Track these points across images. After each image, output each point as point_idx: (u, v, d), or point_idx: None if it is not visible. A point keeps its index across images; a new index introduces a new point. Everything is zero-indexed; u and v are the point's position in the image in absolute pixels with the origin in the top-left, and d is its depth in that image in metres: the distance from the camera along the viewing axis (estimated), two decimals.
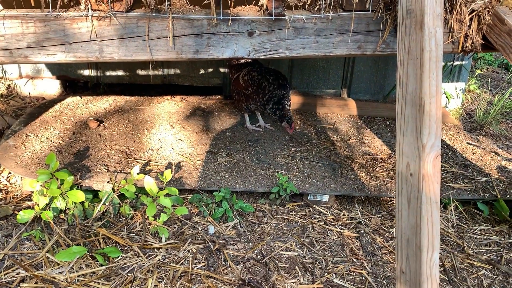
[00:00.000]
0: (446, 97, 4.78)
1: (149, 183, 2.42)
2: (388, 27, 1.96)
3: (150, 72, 4.36)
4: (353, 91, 4.70)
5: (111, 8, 1.88)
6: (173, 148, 3.22)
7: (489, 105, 4.97)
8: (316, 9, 1.98)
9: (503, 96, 4.70)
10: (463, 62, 4.66)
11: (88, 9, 1.87)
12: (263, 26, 1.92)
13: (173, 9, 1.87)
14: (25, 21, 1.84)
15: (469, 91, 5.43)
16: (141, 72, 4.37)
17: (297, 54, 1.95)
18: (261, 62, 3.88)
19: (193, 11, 1.87)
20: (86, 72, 4.29)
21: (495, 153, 3.73)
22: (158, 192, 2.43)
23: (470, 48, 2.08)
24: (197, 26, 1.89)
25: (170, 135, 3.44)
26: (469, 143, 3.89)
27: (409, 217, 1.86)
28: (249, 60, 3.81)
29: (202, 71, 4.43)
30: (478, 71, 6.31)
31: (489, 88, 5.79)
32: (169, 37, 1.86)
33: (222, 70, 4.45)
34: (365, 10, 2.01)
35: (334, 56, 2.02)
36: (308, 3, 1.97)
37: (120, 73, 4.34)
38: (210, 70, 4.44)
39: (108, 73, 4.32)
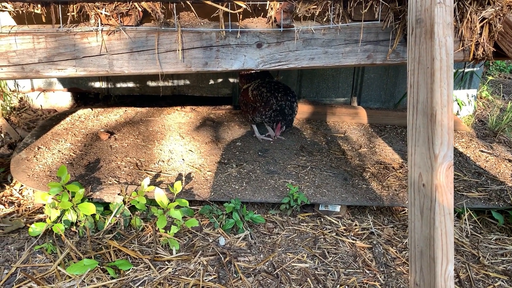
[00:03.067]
0: (458, 104, 4.73)
1: (160, 195, 2.42)
2: (398, 36, 1.95)
3: (160, 84, 4.39)
4: (363, 99, 4.68)
5: (121, 22, 1.89)
6: (183, 159, 3.23)
7: (501, 111, 4.90)
8: (324, 19, 1.98)
9: None
10: (475, 69, 4.61)
11: (98, 23, 1.89)
12: (272, 38, 1.92)
13: (182, 22, 1.88)
14: (36, 36, 1.86)
15: (481, 98, 5.37)
16: (151, 84, 4.40)
17: (306, 65, 1.94)
18: (271, 74, 3.89)
19: (202, 24, 1.88)
20: (97, 84, 4.34)
21: (509, 160, 3.67)
22: (168, 204, 2.43)
23: (481, 56, 2.05)
24: (206, 39, 1.90)
25: (180, 146, 3.45)
26: (482, 151, 3.84)
27: (422, 228, 1.83)
28: (259, 71, 3.82)
29: (211, 82, 4.45)
30: (490, 78, 6.24)
31: (502, 95, 5.72)
32: (179, 50, 1.86)
33: (231, 80, 4.46)
34: (374, 20, 2.00)
35: (344, 67, 2.02)
36: (316, 14, 1.97)
37: (131, 84, 4.37)
38: (220, 80, 4.46)
39: (118, 85, 4.36)
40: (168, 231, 2.48)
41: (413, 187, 1.87)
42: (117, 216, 2.56)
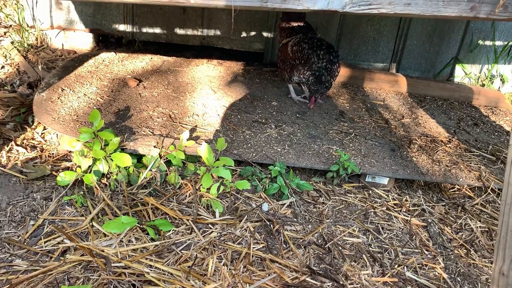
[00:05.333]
0: (502, 79, 4.44)
1: (206, 150, 2.16)
2: None
3: (189, 32, 4.05)
4: (402, 67, 4.38)
5: None
6: (218, 115, 2.96)
7: None
8: None
9: None
10: None
11: None
12: None
13: None
14: None
15: None
16: (179, 31, 4.06)
17: (401, 11, 1.65)
18: (314, 30, 3.56)
19: None
20: (122, 27, 3.99)
21: None
22: (214, 162, 2.18)
23: None
24: None
25: (213, 100, 3.17)
26: None
27: None
28: (302, 24, 3.49)
29: (244, 34, 4.12)
30: None
31: None
32: None
33: (265, 34, 4.12)
34: None
35: (442, 17, 1.72)
36: None
37: (158, 30, 4.03)
38: (253, 33, 4.13)
39: (144, 30, 4.02)
40: (208, 191, 2.25)
41: None
42: (153, 170, 2.31)
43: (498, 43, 4.31)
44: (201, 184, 2.22)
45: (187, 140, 2.37)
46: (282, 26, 3.52)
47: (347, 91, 3.93)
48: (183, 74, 3.58)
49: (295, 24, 3.46)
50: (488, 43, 4.33)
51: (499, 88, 4.50)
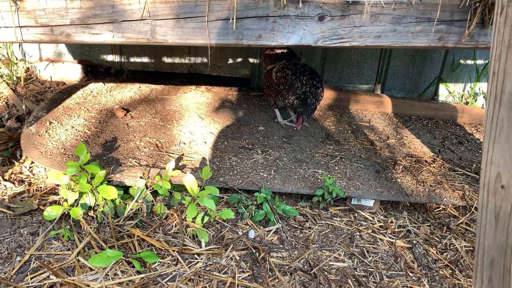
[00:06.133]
0: (484, 97, 4.52)
1: (190, 181, 2.20)
2: (476, 17, 1.73)
3: (177, 60, 4.13)
4: (387, 88, 4.47)
5: None
6: (205, 142, 3.00)
7: None
8: None
9: None
10: None
11: None
12: (336, 10, 1.68)
13: None
14: None
15: None
16: (167, 60, 4.14)
17: (371, 43, 1.72)
18: (297, 56, 3.65)
19: None
20: (110, 58, 4.07)
21: None
22: (199, 191, 2.21)
23: None
24: (262, 8, 1.65)
25: (200, 127, 3.22)
26: None
27: (495, 235, 1.63)
28: (286, 51, 3.58)
29: (230, 61, 4.20)
30: None
31: None
32: (233, 19, 1.62)
33: (251, 60, 4.21)
34: None
35: (412, 48, 1.79)
36: None
37: (145, 59, 4.11)
38: (239, 60, 4.21)
39: (132, 59, 4.10)
40: (194, 221, 2.27)
41: (487, 188, 1.66)
42: (139, 201, 2.34)
43: (479, 61, 4.42)
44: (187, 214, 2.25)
45: (173, 169, 2.40)
46: (266, 53, 3.61)
47: (333, 113, 3.99)
48: (170, 102, 3.63)
49: (279, 51, 3.55)
50: (469, 62, 4.44)
51: (482, 105, 4.59)
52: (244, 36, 1.69)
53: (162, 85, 3.99)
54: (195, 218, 2.27)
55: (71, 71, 4.06)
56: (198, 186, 2.32)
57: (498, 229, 1.62)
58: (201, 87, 4.17)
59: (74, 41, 1.67)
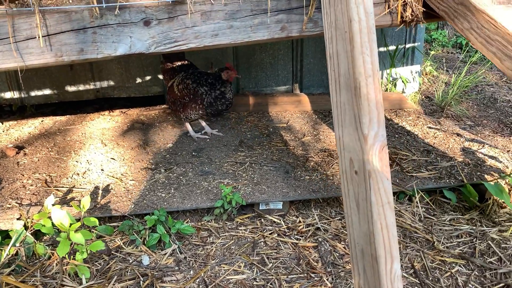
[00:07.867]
0: (403, 81, 4.56)
1: (58, 216, 2.02)
2: (314, 1, 1.66)
3: (81, 87, 3.95)
4: (305, 86, 4.42)
5: None
6: (102, 170, 2.83)
7: (447, 85, 4.77)
8: None
9: (460, 75, 4.51)
10: (416, 44, 4.45)
11: None
12: (162, 13, 1.58)
13: (44, 0, 1.50)
14: None
15: (425, 74, 5.24)
16: (70, 88, 3.95)
17: (210, 43, 1.62)
18: (195, 65, 3.55)
19: (70, 1, 1.51)
20: (8, 95, 3.85)
21: (458, 134, 3.50)
22: (71, 225, 2.04)
23: (410, 17, 1.79)
24: (77, 20, 1.52)
25: (101, 154, 3.05)
26: (430, 127, 3.66)
27: (360, 223, 1.55)
28: (185, 63, 3.48)
29: (139, 80, 4.05)
30: (433, 52, 6.16)
31: (445, 69, 5.62)
32: (40, 36, 1.48)
33: (161, 76, 4.08)
34: None
35: (255, 42, 1.70)
36: None
37: (47, 91, 3.91)
38: (148, 78, 4.07)
39: (33, 93, 3.89)
40: (73, 257, 2.09)
41: (345, 176, 1.59)
42: (17, 245, 2.15)
43: (391, 47, 4.45)
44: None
45: (53, 205, 2.22)
46: (165, 68, 3.50)
47: (252, 118, 3.91)
48: (73, 131, 3.45)
49: (176, 64, 3.45)
50: (382, 49, 4.46)
51: (403, 90, 4.62)
52: (63, 52, 1.56)
53: (68, 116, 3.81)
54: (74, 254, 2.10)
55: None
56: (79, 220, 2.15)
57: (361, 217, 1.54)
58: (115, 111, 4.01)
59: None
